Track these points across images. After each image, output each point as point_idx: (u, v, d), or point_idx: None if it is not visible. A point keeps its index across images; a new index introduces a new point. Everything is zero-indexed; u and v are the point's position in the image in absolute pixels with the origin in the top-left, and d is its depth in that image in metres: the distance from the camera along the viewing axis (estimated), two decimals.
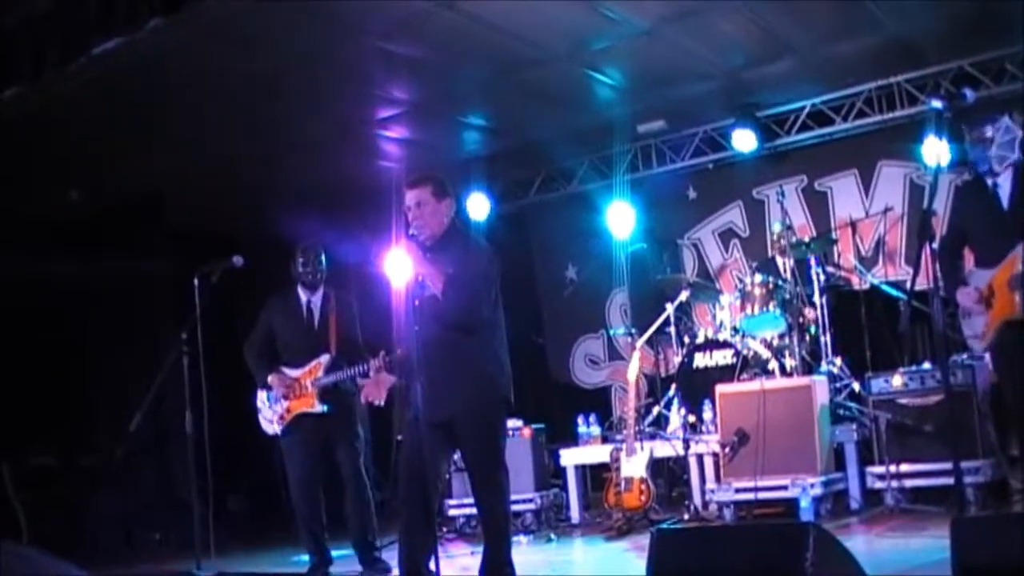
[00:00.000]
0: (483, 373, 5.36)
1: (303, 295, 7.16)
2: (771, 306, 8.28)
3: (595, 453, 8.64)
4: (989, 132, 5.73)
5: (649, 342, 9.31)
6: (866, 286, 9.08)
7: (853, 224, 9.50)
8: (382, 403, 6.02)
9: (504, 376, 5.47)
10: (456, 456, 7.32)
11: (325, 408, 6.89)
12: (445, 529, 8.54)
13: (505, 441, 5.64)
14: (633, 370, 8.29)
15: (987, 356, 7.11)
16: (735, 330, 8.56)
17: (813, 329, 8.46)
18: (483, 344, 5.37)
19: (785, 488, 7.18)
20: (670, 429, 8.51)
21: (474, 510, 8.14)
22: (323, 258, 7.18)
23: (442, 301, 5.27)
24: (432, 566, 5.18)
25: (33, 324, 10.11)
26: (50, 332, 10.24)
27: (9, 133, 8.17)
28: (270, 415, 7.06)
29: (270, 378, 7.02)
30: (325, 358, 6.96)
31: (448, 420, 5.30)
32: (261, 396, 7.14)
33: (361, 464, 7.07)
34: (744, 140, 9.78)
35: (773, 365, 8.20)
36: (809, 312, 8.43)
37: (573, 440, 8.97)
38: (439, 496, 5.66)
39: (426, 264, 5.30)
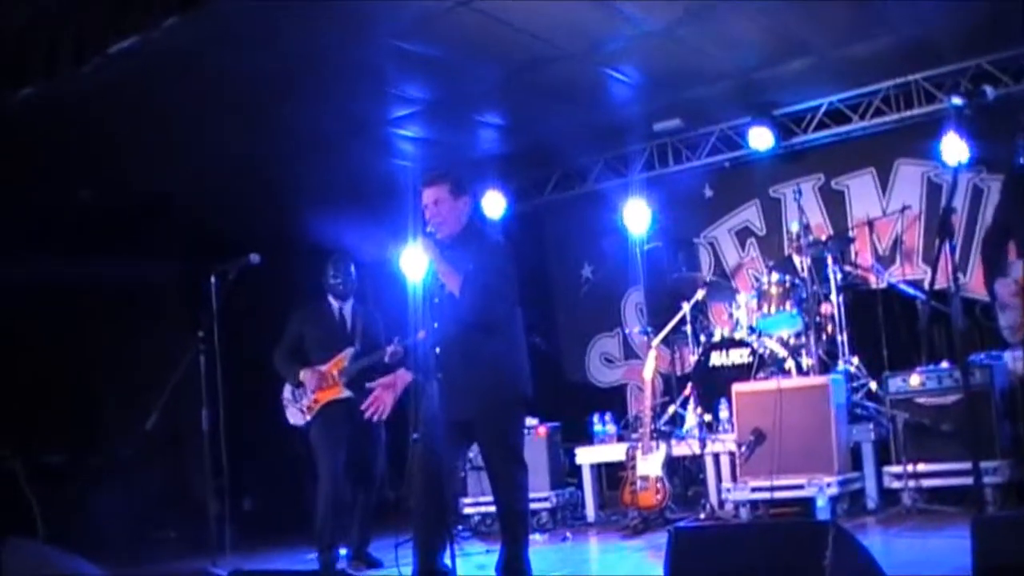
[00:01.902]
0: (501, 371, 5.36)
1: (334, 303, 7.54)
2: (788, 305, 8.25)
3: (611, 452, 8.63)
4: None
5: (665, 341, 9.28)
6: (883, 285, 9.03)
7: (870, 223, 9.43)
8: (384, 415, 5.93)
9: (523, 373, 5.47)
10: (473, 454, 7.34)
11: (350, 393, 7.18)
12: (461, 527, 8.52)
13: (524, 438, 5.63)
14: (649, 369, 8.27)
15: (1005, 354, 7.10)
16: (751, 329, 8.53)
17: (830, 328, 8.42)
18: (501, 342, 5.37)
19: (802, 487, 7.16)
20: (686, 428, 8.49)
21: (489, 509, 8.20)
22: (352, 268, 7.54)
23: (460, 300, 5.26)
24: (447, 562, 5.19)
25: (44, 322, 10.14)
26: (62, 330, 10.27)
27: (23, 132, 8.19)
28: (298, 406, 7.27)
29: (302, 373, 7.32)
30: (349, 350, 7.32)
31: (466, 418, 5.30)
32: (287, 389, 7.35)
33: (377, 470, 7.44)
34: (761, 139, 9.73)
35: (790, 364, 8.17)
36: (825, 308, 8.39)
37: (589, 439, 8.96)
38: (454, 494, 5.65)
39: (443, 263, 5.29)
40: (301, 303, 7.75)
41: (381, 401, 5.79)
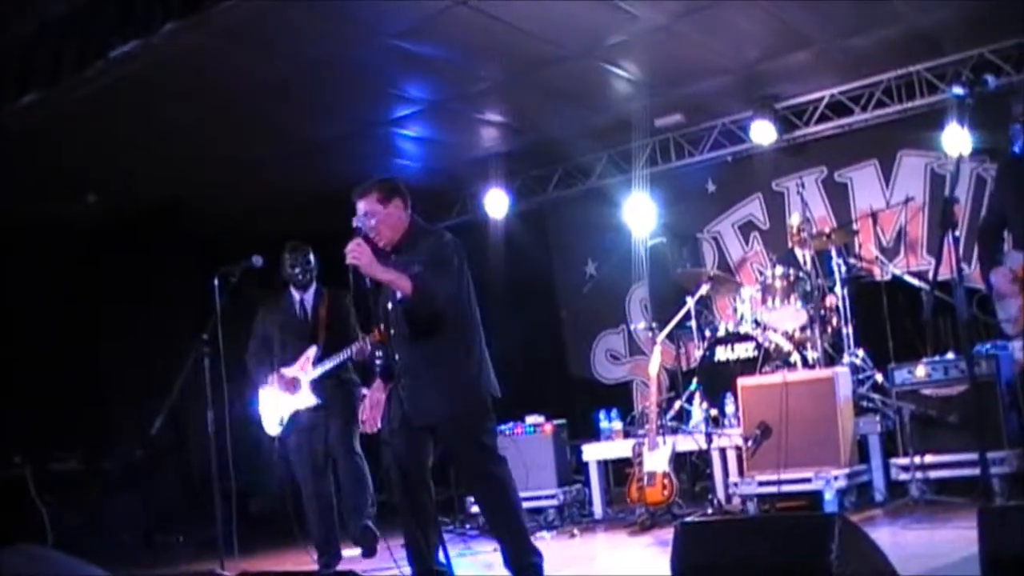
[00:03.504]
0: (461, 376, 5.29)
1: (296, 294, 7.30)
2: (792, 298, 8.24)
3: (617, 448, 8.62)
4: None
5: (670, 336, 9.27)
6: (888, 277, 9.02)
7: (874, 215, 9.43)
8: (374, 429, 5.62)
9: (484, 374, 5.39)
10: None
11: (319, 400, 6.98)
12: (468, 526, 8.52)
13: (495, 435, 5.55)
14: (654, 365, 8.25)
15: (1011, 344, 7.08)
16: (756, 323, 8.52)
17: (835, 320, 8.41)
18: (458, 345, 5.30)
19: (809, 481, 7.14)
20: (692, 423, 8.48)
21: None
22: (311, 257, 7.30)
23: (411, 303, 5.15)
24: (443, 559, 5.20)
25: (53, 329, 10.15)
26: (70, 336, 10.28)
27: (28, 138, 8.21)
28: (272, 416, 7.12)
29: (270, 379, 7.11)
30: (312, 351, 7.05)
31: (432, 423, 5.26)
32: (262, 398, 7.20)
33: (355, 444, 7.11)
34: (763, 132, 9.72)
35: (795, 357, 8.16)
36: (830, 300, 8.39)
37: (595, 435, 8.95)
38: (432, 494, 5.56)
39: (384, 272, 5.13)
40: (264, 301, 7.52)
41: (370, 420, 5.63)
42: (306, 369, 7.02)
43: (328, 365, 7.00)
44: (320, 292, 7.31)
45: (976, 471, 6.40)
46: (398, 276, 5.14)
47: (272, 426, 7.17)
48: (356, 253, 5.05)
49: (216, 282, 6.87)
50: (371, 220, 5.31)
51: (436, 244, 5.35)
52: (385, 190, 5.40)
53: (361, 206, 5.35)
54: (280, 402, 7.09)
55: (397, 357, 5.28)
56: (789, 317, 8.35)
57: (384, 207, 5.36)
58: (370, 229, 5.29)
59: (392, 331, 5.32)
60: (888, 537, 6.08)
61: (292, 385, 7.05)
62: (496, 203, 11.04)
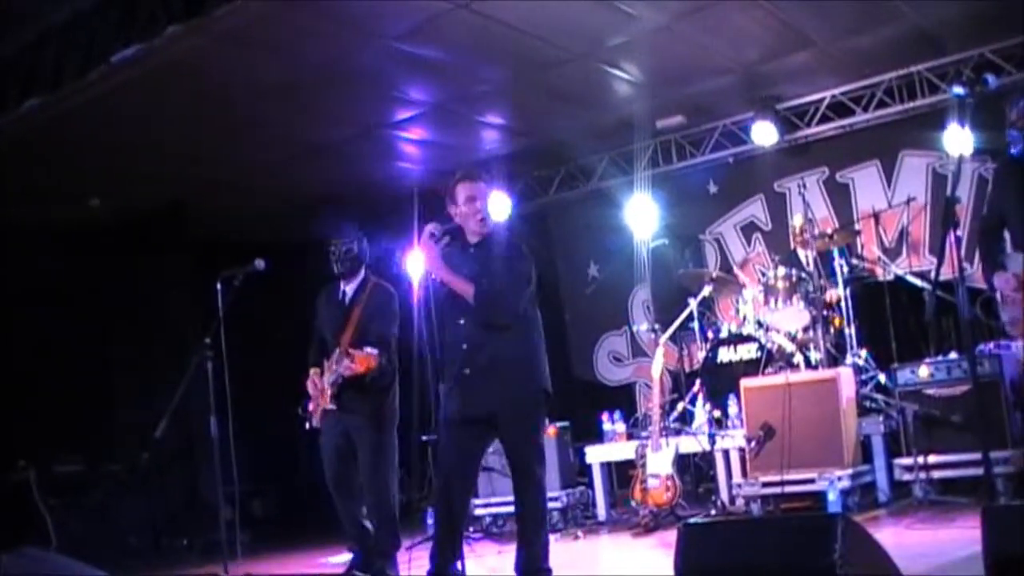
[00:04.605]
0: (522, 366, 5.33)
1: (342, 285, 6.99)
2: (795, 299, 8.24)
3: (621, 450, 8.61)
4: None
5: (673, 338, 9.28)
6: (890, 277, 9.03)
7: (876, 215, 9.44)
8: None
9: (544, 368, 5.44)
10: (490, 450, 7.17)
11: (335, 405, 6.74)
12: (472, 529, 8.52)
13: (544, 434, 5.58)
14: (657, 366, 8.26)
15: (1014, 344, 7.07)
16: (759, 324, 8.52)
17: (837, 321, 8.41)
18: (521, 338, 5.35)
19: (812, 481, 7.14)
20: (695, 425, 8.48)
21: (501, 509, 8.21)
22: (354, 245, 6.93)
23: (478, 304, 5.22)
24: (459, 567, 5.20)
25: (57, 332, 10.16)
26: (75, 340, 10.29)
27: (30, 143, 8.22)
28: (312, 412, 7.05)
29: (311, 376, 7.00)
30: (336, 353, 6.78)
31: (490, 412, 5.26)
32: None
33: (383, 472, 6.79)
34: (764, 133, 9.73)
35: (798, 358, 8.16)
36: (832, 295, 8.39)
37: (598, 438, 8.95)
38: (468, 499, 5.60)
39: (448, 272, 5.22)
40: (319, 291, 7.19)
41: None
42: (332, 369, 6.73)
43: (336, 371, 6.70)
44: (364, 283, 6.94)
45: (980, 471, 6.39)
46: (460, 281, 5.23)
47: (314, 420, 7.05)
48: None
49: (219, 285, 6.83)
50: (483, 204, 5.39)
51: (515, 251, 5.45)
52: (488, 180, 5.49)
53: (483, 188, 5.44)
54: (317, 400, 6.93)
55: (465, 347, 5.30)
56: (792, 318, 8.35)
57: (491, 194, 5.46)
58: (478, 213, 5.36)
59: (461, 320, 5.33)
60: (892, 537, 6.07)
61: (317, 386, 6.85)
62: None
